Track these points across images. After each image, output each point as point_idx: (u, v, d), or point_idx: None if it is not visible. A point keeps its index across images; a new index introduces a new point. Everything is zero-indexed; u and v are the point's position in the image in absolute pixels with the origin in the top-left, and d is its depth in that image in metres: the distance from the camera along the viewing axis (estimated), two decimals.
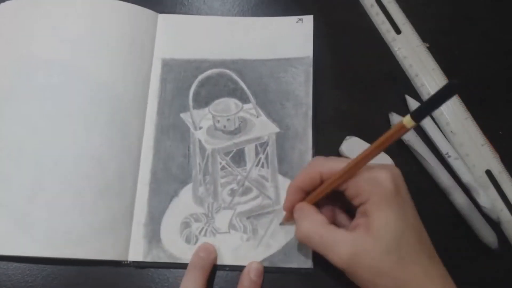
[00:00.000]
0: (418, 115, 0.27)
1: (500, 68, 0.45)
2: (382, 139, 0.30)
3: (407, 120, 0.27)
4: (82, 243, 0.37)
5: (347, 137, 0.41)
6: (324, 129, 0.42)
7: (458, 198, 0.39)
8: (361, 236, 0.31)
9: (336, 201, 0.35)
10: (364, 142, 0.41)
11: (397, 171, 0.32)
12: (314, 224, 0.33)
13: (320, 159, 0.35)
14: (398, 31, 0.46)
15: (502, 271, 0.38)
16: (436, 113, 0.43)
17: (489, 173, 0.41)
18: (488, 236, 0.38)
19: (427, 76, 0.44)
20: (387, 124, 0.42)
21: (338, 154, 0.41)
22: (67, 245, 0.37)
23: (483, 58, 0.46)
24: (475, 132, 0.42)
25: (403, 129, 0.28)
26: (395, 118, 0.42)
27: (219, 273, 0.38)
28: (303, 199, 0.35)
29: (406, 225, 0.30)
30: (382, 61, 0.45)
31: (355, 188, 0.32)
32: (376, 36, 0.46)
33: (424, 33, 0.46)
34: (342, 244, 0.31)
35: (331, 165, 0.33)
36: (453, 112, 0.43)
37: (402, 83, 0.45)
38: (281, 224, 0.39)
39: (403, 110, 0.43)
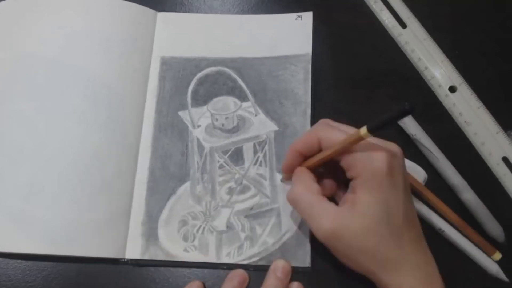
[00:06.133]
0: (373, 129, 0.29)
1: (500, 68, 0.44)
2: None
3: (364, 131, 0.29)
4: (80, 240, 0.37)
5: None
6: None
7: (465, 192, 0.39)
8: (346, 211, 0.31)
9: (339, 175, 0.35)
10: None
11: (396, 152, 0.31)
12: (307, 190, 0.33)
13: (323, 125, 0.34)
14: (403, 25, 0.45)
15: (509, 264, 0.38)
16: (448, 104, 0.43)
17: (506, 160, 0.41)
18: (495, 229, 0.38)
19: (437, 68, 0.44)
20: None
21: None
22: (65, 243, 0.37)
23: (483, 58, 0.45)
24: (488, 120, 0.42)
25: (360, 138, 0.30)
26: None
27: (217, 272, 0.38)
28: (300, 162, 0.35)
29: (391, 208, 0.30)
30: (382, 59, 0.45)
31: (350, 161, 0.31)
32: (377, 33, 0.46)
33: None
34: (326, 216, 0.31)
35: (330, 135, 0.32)
36: (465, 102, 0.42)
37: (402, 81, 0.44)
38: (281, 180, 0.39)
39: None
